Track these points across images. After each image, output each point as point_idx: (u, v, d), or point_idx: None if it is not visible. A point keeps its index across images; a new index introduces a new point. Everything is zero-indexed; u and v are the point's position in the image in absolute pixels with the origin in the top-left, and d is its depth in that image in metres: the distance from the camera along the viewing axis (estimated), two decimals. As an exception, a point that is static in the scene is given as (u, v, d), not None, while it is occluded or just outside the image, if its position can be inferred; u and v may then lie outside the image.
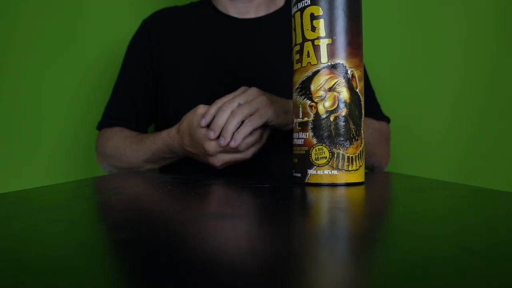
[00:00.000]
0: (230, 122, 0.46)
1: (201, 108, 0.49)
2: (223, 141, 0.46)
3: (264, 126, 0.49)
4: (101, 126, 0.68)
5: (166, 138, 0.55)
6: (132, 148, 0.61)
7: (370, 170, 0.67)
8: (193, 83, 0.65)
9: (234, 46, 0.66)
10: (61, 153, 0.86)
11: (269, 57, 0.65)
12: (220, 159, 0.49)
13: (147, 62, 0.68)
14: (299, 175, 0.38)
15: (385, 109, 0.86)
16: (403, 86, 0.86)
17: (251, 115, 0.46)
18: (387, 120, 0.69)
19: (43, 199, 0.28)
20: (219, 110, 0.47)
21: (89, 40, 0.86)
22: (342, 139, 0.36)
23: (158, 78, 0.68)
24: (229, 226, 0.18)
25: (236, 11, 0.68)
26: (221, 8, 0.68)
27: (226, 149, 0.47)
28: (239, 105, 0.47)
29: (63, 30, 0.86)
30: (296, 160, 0.39)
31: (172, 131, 0.55)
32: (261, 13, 0.68)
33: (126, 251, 0.13)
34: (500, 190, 0.31)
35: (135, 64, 0.69)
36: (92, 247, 0.14)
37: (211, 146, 0.47)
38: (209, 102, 0.64)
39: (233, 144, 0.46)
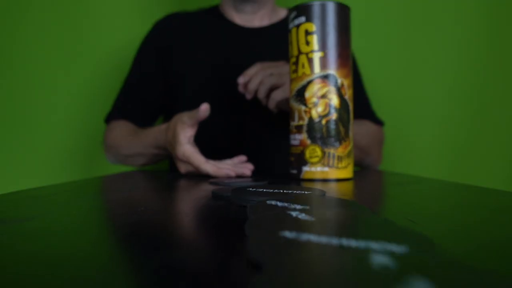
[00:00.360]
0: (260, 91, 0.55)
1: (186, 116, 0.50)
2: (249, 97, 0.57)
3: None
4: (108, 119, 0.72)
5: (157, 132, 0.58)
6: (128, 139, 0.64)
7: (365, 167, 0.72)
8: (198, 86, 0.69)
9: (240, 54, 0.70)
10: (62, 153, 0.86)
11: None
12: (181, 167, 0.51)
13: (158, 62, 0.72)
14: (295, 171, 0.43)
15: (381, 111, 0.91)
16: (397, 90, 0.90)
17: (278, 86, 0.55)
18: (381, 124, 0.74)
19: (43, 200, 0.28)
20: (253, 76, 0.56)
21: (94, 42, 0.87)
22: (332, 140, 0.41)
23: (166, 79, 0.72)
24: (232, 213, 0.23)
25: (242, 20, 0.73)
26: (228, 16, 0.73)
27: (189, 161, 0.49)
28: (272, 74, 0.56)
29: (69, 31, 0.86)
30: (293, 159, 0.44)
31: (163, 126, 0.57)
32: (265, 22, 0.73)
33: (127, 251, 0.13)
34: (474, 185, 0.36)
35: (146, 63, 0.72)
36: (92, 248, 0.14)
37: (179, 151, 0.49)
38: (213, 105, 0.69)
39: (248, 97, 0.57)
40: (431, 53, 0.89)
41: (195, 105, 0.68)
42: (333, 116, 0.41)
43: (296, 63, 0.42)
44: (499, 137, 0.87)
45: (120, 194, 0.30)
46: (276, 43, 0.71)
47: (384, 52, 0.89)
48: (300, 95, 0.42)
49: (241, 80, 0.56)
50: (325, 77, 0.41)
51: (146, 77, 0.72)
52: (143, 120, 0.71)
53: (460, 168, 0.87)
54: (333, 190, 0.34)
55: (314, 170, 0.41)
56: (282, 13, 0.76)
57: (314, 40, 0.41)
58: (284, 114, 0.67)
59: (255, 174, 0.53)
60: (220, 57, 0.70)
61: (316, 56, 0.41)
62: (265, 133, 0.68)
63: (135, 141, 0.63)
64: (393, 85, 0.89)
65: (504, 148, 0.87)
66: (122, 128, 0.67)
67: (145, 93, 0.71)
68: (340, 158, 0.41)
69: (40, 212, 0.22)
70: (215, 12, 0.75)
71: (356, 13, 0.90)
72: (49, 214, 0.21)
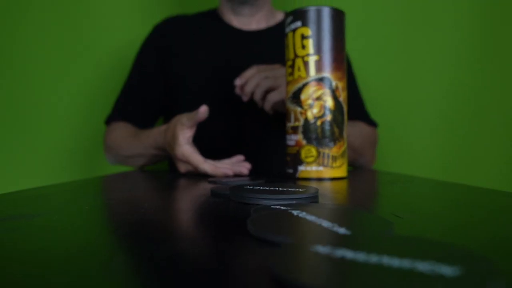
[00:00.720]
0: (257, 93, 0.56)
1: (185, 117, 0.51)
2: (245, 99, 0.58)
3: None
4: (108, 120, 0.72)
5: (156, 134, 0.59)
6: (128, 140, 0.65)
7: (358, 167, 0.73)
8: (198, 88, 0.70)
9: (238, 56, 0.71)
10: (62, 153, 0.87)
11: None
12: (181, 166, 0.52)
13: (157, 63, 0.73)
14: (291, 171, 0.44)
15: (377, 112, 0.92)
16: (394, 91, 0.91)
17: (274, 88, 0.56)
18: (375, 125, 0.75)
19: (43, 199, 0.27)
20: (250, 79, 0.57)
21: (94, 42, 0.88)
22: (327, 140, 0.42)
23: (166, 81, 0.73)
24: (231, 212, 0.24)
25: (239, 23, 0.74)
26: (226, 19, 0.75)
27: (188, 161, 0.50)
28: (267, 77, 0.57)
29: (69, 31, 0.86)
30: (289, 159, 0.45)
31: (162, 127, 0.58)
32: (262, 25, 0.75)
33: (127, 249, 0.13)
34: (461, 183, 0.37)
35: (146, 65, 0.73)
36: (92, 246, 0.14)
37: (178, 152, 0.50)
38: (212, 106, 0.71)
39: (245, 99, 0.58)
40: (428, 55, 0.90)
41: (194, 107, 0.69)
42: (328, 117, 0.42)
43: (292, 66, 0.44)
44: (494, 138, 0.88)
45: (120, 194, 0.31)
46: (273, 46, 0.72)
47: (381, 54, 0.90)
48: (296, 97, 0.43)
49: (237, 82, 0.57)
50: (320, 80, 0.42)
51: (146, 78, 0.73)
52: (143, 121, 0.72)
53: (456, 170, 0.89)
54: (327, 188, 0.35)
55: (309, 169, 0.42)
56: (279, 16, 0.77)
57: (310, 44, 0.42)
58: (281, 115, 0.69)
59: (252, 173, 0.54)
60: (219, 59, 0.71)
61: (312, 60, 0.42)
62: (263, 134, 0.69)
63: (135, 142, 0.64)
64: (390, 86, 0.90)
65: (500, 149, 0.88)
66: (122, 130, 0.68)
67: (145, 95, 0.72)
68: (334, 158, 0.43)
69: (40, 211, 0.22)
70: (213, 15, 0.76)
71: (354, 15, 0.91)
72: (49, 213, 0.21)
